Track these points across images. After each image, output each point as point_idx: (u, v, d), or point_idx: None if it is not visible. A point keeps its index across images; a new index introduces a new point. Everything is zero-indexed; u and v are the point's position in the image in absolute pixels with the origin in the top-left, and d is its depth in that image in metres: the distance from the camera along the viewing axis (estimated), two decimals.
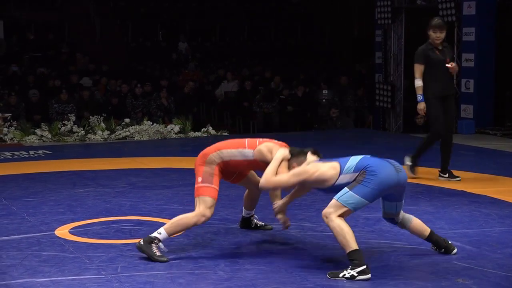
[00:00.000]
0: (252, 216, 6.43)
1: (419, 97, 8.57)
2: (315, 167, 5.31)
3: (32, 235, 6.22)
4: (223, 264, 5.34)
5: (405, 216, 5.58)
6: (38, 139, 13.45)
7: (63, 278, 5.05)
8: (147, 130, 14.07)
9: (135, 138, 13.82)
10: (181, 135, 14.16)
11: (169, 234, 5.58)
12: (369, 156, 5.38)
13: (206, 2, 22.85)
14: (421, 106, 8.59)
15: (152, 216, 6.89)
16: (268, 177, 5.45)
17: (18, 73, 17.22)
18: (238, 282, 4.96)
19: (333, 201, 5.18)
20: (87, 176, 9.29)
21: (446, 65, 8.49)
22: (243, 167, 5.92)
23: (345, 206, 5.13)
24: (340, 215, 5.14)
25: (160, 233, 5.53)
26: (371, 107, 16.45)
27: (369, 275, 5.03)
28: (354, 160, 5.28)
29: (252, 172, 6.12)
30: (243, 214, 6.45)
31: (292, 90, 16.81)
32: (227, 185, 6.29)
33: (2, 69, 17.55)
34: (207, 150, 5.82)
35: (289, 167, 5.51)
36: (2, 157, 11.20)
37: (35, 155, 11.54)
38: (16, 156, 11.32)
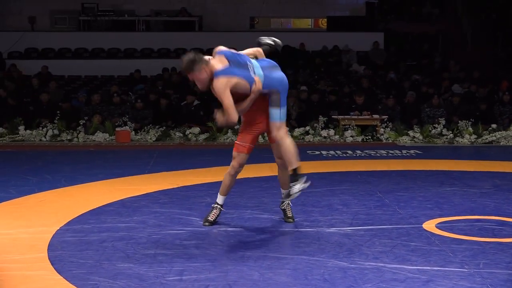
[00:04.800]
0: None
1: None
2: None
3: (402, 226, 6.27)
4: None
5: None
6: (410, 140, 13.58)
7: (429, 268, 5.00)
8: None
9: (501, 143, 13.33)
10: None
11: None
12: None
13: None
14: None
15: None
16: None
17: (395, 80, 17.51)
18: None
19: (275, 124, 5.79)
20: (454, 176, 9.15)
21: None
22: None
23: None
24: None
25: None
26: None
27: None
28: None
29: None
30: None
31: None
32: None
33: (381, 75, 17.99)
34: None
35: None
36: (378, 155, 11.50)
37: (407, 154, 11.66)
38: (391, 154, 11.55)
